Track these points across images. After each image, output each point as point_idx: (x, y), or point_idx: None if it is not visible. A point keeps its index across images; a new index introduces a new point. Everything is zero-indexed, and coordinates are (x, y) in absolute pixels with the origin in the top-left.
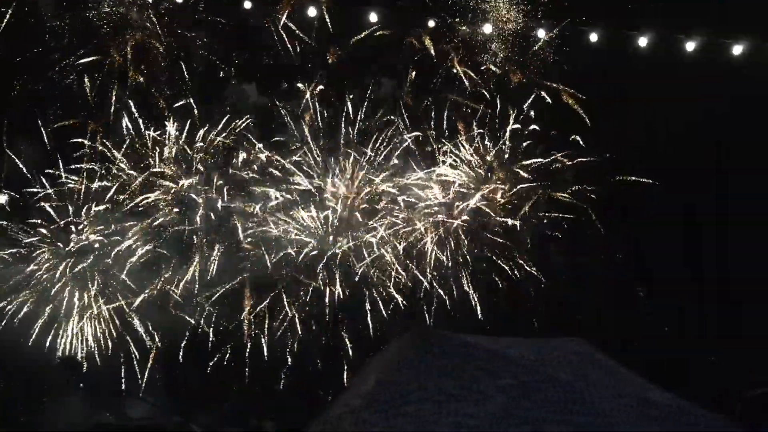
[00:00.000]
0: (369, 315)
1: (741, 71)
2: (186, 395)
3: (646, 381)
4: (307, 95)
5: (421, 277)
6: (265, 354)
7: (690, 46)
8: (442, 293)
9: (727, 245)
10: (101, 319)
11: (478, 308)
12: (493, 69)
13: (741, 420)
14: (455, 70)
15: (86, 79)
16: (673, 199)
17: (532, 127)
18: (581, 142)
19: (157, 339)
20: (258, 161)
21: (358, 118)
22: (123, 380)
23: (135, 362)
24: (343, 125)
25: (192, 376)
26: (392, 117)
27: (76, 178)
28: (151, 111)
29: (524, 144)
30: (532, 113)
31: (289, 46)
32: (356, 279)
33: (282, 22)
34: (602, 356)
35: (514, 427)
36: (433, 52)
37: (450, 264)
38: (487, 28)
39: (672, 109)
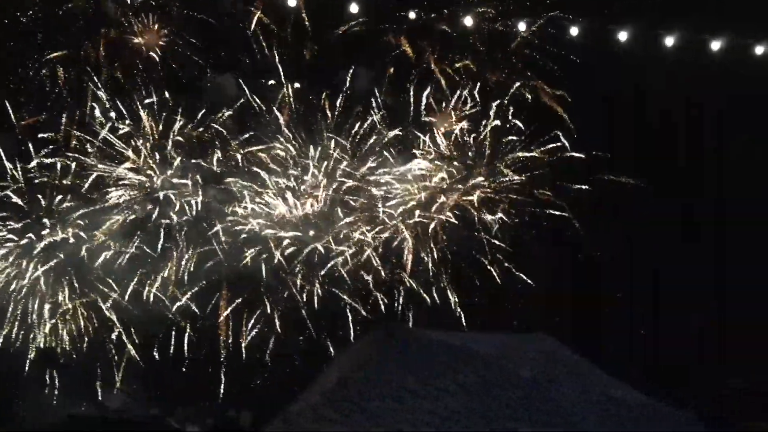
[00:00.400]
0: (348, 311)
1: (725, 67)
2: (164, 387)
3: (611, 378)
4: (285, 90)
5: (402, 273)
6: (243, 348)
7: (669, 41)
8: (419, 289)
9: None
10: (78, 313)
11: (456, 305)
12: (472, 66)
13: (713, 415)
14: (432, 66)
15: (60, 73)
16: (659, 198)
17: (514, 122)
18: (563, 139)
19: (134, 333)
20: (234, 156)
21: (335, 113)
22: (99, 372)
23: (112, 355)
24: (319, 120)
25: (170, 369)
26: (370, 113)
27: (48, 173)
28: (127, 105)
29: (504, 140)
30: (511, 109)
31: (264, 43)
32: (336, 275)
33: (256, 18)
34: (567, 352)
35: (473, 425)
36: (410, 51)
37: (429, 261)
38: (467, 22)
39: (656, 104)
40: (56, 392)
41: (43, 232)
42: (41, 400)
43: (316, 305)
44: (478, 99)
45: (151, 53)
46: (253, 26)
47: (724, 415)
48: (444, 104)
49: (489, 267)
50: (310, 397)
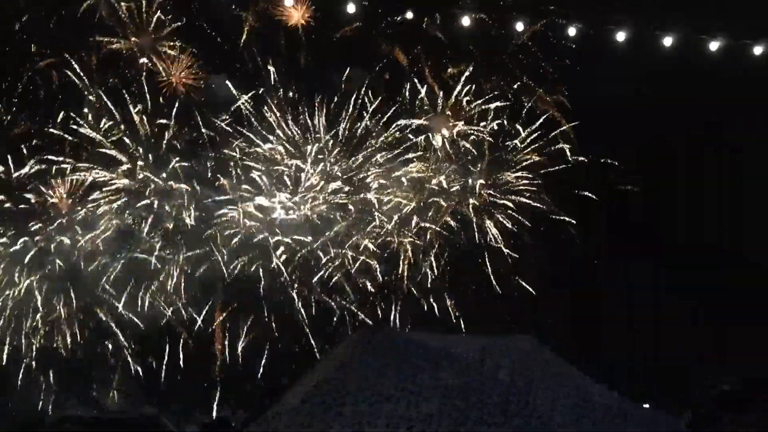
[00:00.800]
0: (346, 315)
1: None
2: (160, 387)
3: (591, 380)
4: (278, 94)
5: (400, 278)
6: (240, 351)
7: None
8: (417, 294)
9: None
10: (72, 317)
11: (452, 307)
12: (467, 71)
13: (700, 414)
14: (426, 73)
15: (54, 78)
16: (659, 201)
17: (512, 125)
18: (562, 144)
19: (130, 336)
20: (229, 160)
21: (329, 117)
22: (95, 373)
23: (108, 357)
24: (314, 124)
25: (166, 371)
26: (364, 116)
27: (41, 178)
28: (120, 110)
29: (502, 144)
30: (507, 111)
31: (256, 48)
32: (333, 280)
33: (251, 21)
34: (549, 354)
35: (447, 429)
36: (404, 59)
37: (426, 265)
38: (464, 24)
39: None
40: (52, 393)
41: (36, 238)
42: (36, 401)
43: (313, 310)
44: (474, 103)
45: (144, 59)
46: (245, 33)
47: (715, 415)
48: (440, 108)
49: (486, 271)
50: (288, 400)
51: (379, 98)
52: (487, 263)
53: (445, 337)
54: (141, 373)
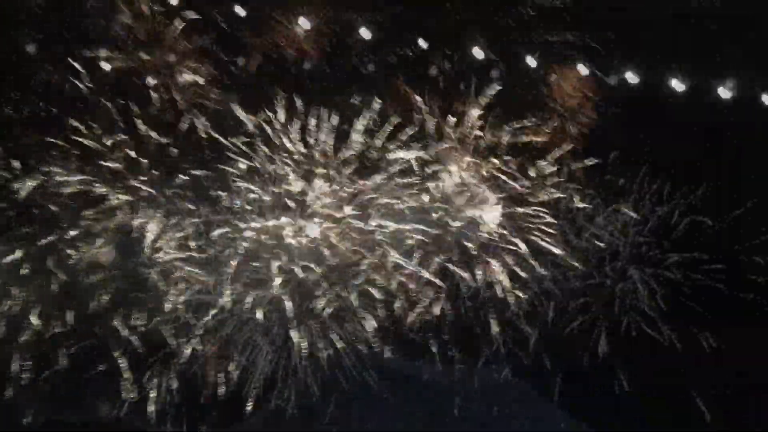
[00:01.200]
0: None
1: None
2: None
3: (565, 412)
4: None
5: (398, 315)
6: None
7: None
8: (414, 326)
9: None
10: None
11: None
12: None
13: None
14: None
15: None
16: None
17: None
18: (570, 187)
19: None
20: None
21: (333, 138)
22: (85, 378)
23: (102, 366)
24: (321, 155)
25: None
26: (371, 143)
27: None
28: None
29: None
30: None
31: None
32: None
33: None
34: (522, 385)
35: None
36: (413, 95)
37: (426, 303)
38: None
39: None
40: (43, 402)
41: (35, 250)
42: (27, 409)
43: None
44: (485, 137)
45: (153, 77)
46: (255, 56)
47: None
48: (450, 141)
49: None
50: (254, 422)
51: (387, 127)
52: (489, 303)
53: (420, 364)
54: (130, 386)
